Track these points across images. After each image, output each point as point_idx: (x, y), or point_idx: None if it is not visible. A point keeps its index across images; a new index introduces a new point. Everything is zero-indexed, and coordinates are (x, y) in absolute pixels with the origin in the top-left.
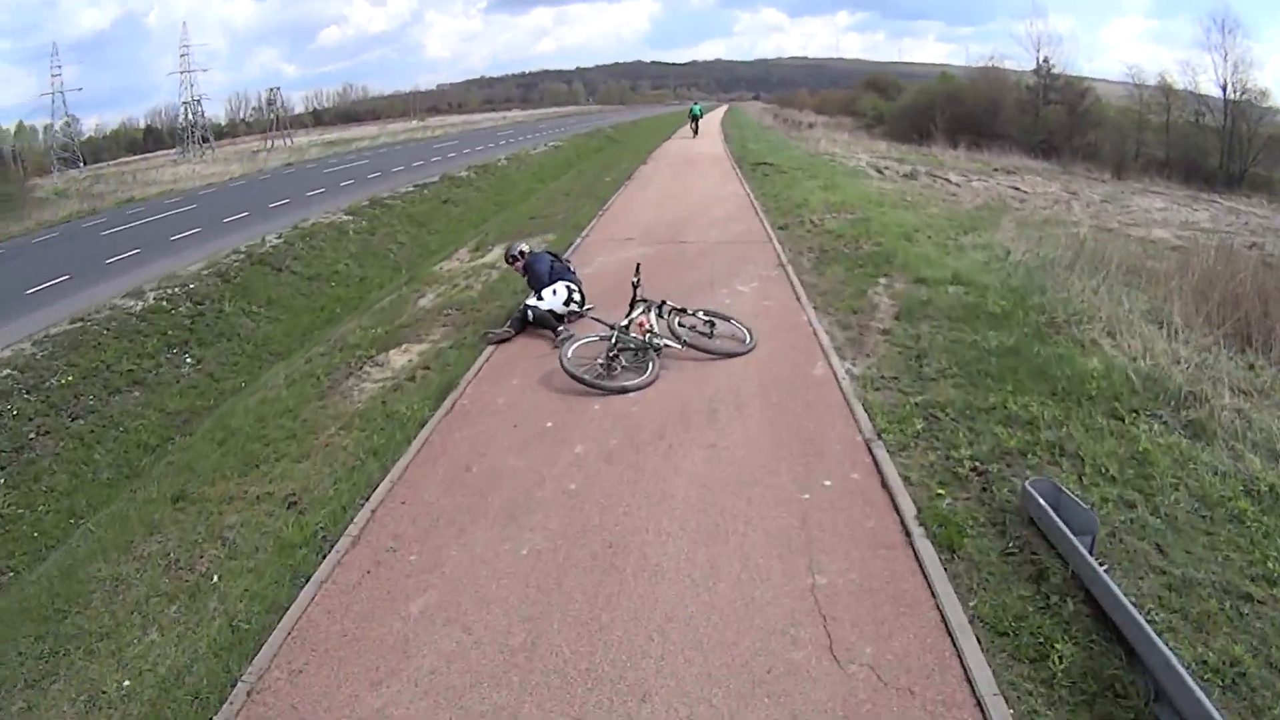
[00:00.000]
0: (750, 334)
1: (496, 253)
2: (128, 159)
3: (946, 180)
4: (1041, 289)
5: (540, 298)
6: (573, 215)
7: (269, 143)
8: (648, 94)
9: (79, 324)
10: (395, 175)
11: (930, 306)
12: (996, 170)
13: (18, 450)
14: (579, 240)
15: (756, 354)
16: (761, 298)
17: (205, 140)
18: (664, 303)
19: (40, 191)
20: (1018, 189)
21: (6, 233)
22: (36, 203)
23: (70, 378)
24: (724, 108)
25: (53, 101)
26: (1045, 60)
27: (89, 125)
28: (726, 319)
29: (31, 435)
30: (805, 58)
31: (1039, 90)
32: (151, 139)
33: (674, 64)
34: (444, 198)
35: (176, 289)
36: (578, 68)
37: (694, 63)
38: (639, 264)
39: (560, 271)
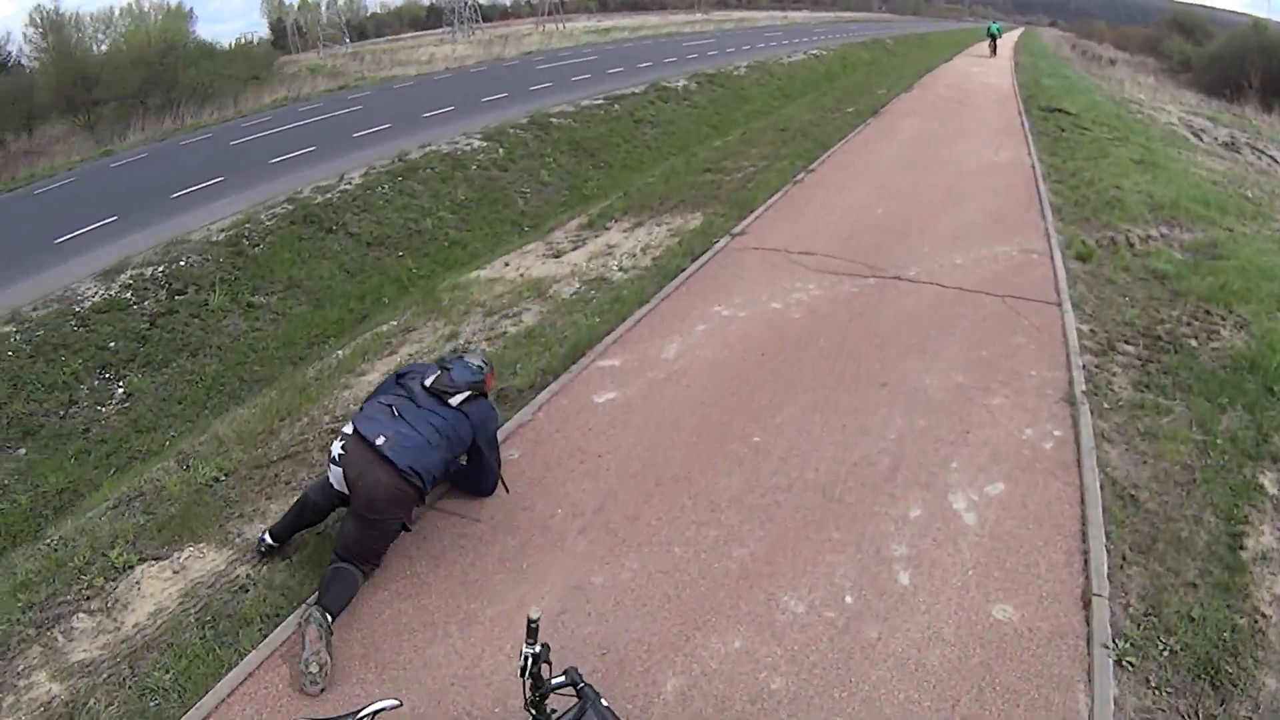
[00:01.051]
0: None
1: (623, 236)
2: (401, 36)
3: (1273, 159)
4: None
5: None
6: (751, 182)
7: (540, 26)
8: (941, 8)
9: None
10: (610, 77)
11: None
12: None
13: None
14: (720, 245)
15: None
16: (1001, 554)
17: (473, 20)
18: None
19: (293, 68)
20: None
21: (221, 116)
22: (288, 79)
23: None
24: (1019, 30)
25: None
26: None
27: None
28: None
29: None
30: None
31: None
32: (433, 17)
33: None
34: (637, 116)
35: (161, 269)
36: None
37: None
38: (534, 619)
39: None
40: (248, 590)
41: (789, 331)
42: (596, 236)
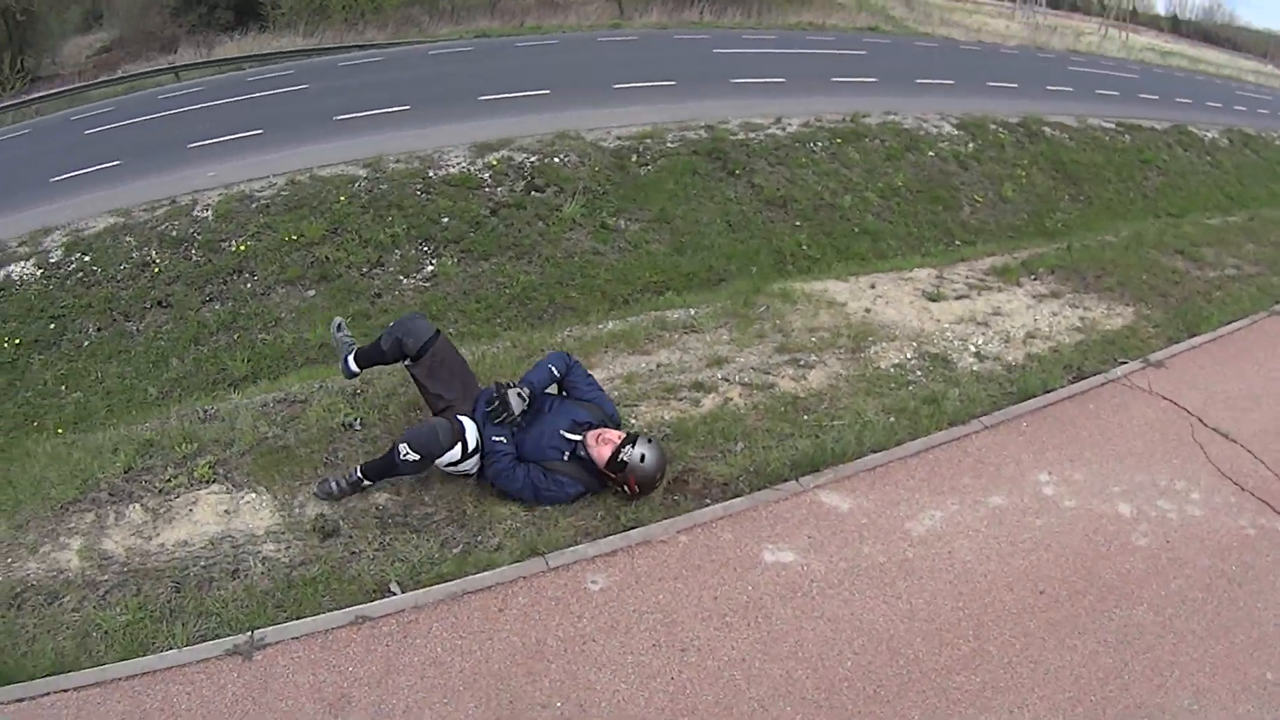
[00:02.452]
0: None
1: (1024, 303)
2: None
3: None
4: None
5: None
6: (1219, 290)
7: (1103, 30)
8: None
9: None
10: (1139, 103)
11: None
12: None
13: None
14: (1120, 374)
15: None
16: None
17: (1037, 1)
18: None
19: None
20: None
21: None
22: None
23: None
24: None
25: None
26: None
27: None
28: None
29: None
30: None
31: None
32: None
33: None
34: (1145, 156)
35: (533, 159)
36: None
37: None
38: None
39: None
40: (239, 578)
41: (1115, 565)
42: (996, 291)
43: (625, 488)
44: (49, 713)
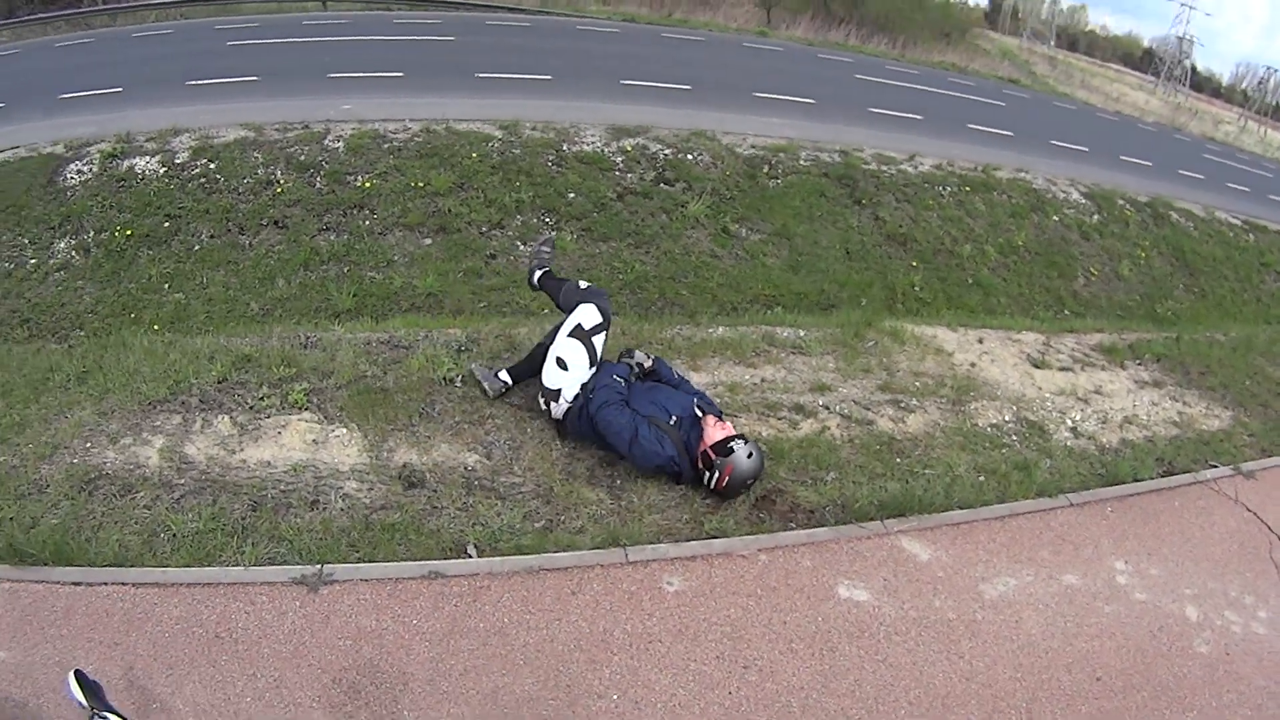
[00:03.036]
0: None
1: (1125, 386)
2: (1108, 64)
3: None
4: None
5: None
6: None
7: (1243, 121)
8: None
9: None
10: (1270, 204)
11: None
12: None
13: None
14: (1209, 476)
15: None
16: None
17: (1181, 82)
18: None
19: (987, 44)
20: None
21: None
22: (974, 50)
23: None
24: None
25: None
26: None
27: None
28: None
29: None
30: None
31: None
32: (1146, 61)
33: None
34: (1266, 259)
35: (668, 152)
36: None
37: None
38: None
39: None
40: (317, 509)
41: (1173, 666)
42: (1099, 369)
43: (714, 478)
44: (104, 603)
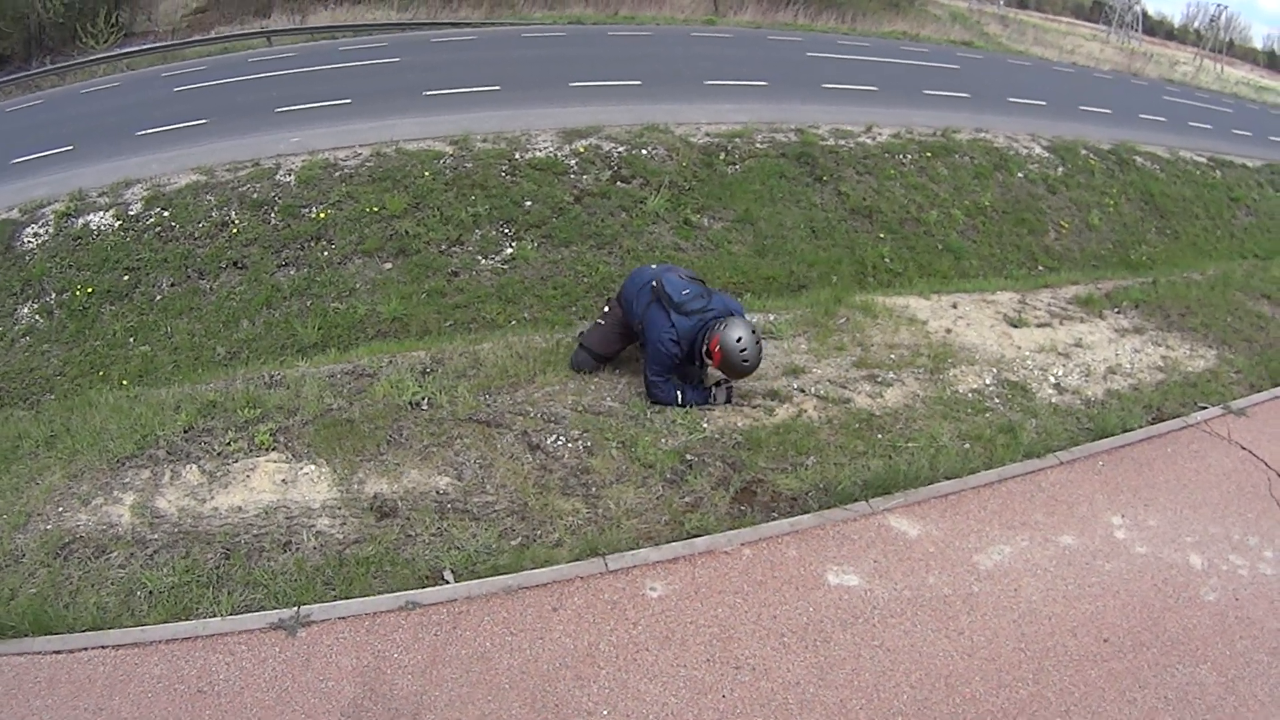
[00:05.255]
0: None
1: (1106, 336)
2: (1059, 18)
3: None
4: None
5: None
6: None
7: (1198, 60)
8: None
9: None
10: (1232, 139)
11: None
12: None
13: None
14: (1199, 419)
15: None
16: None
17: (1134, 28)
18: None
19: (936, 9)
20: None
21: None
22: (923, 16)
23: None
24: None
25: None
26: None
27: None
28: None
29: None
30: None
31: None
32: (1097, 11)
33: None
34: (1235, 194)
35: (621, 149)
36: None
37: None
38: None
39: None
40: (290, 550)
41: (1182, 618)
42: (1079, 322)
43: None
44: (85, 668)
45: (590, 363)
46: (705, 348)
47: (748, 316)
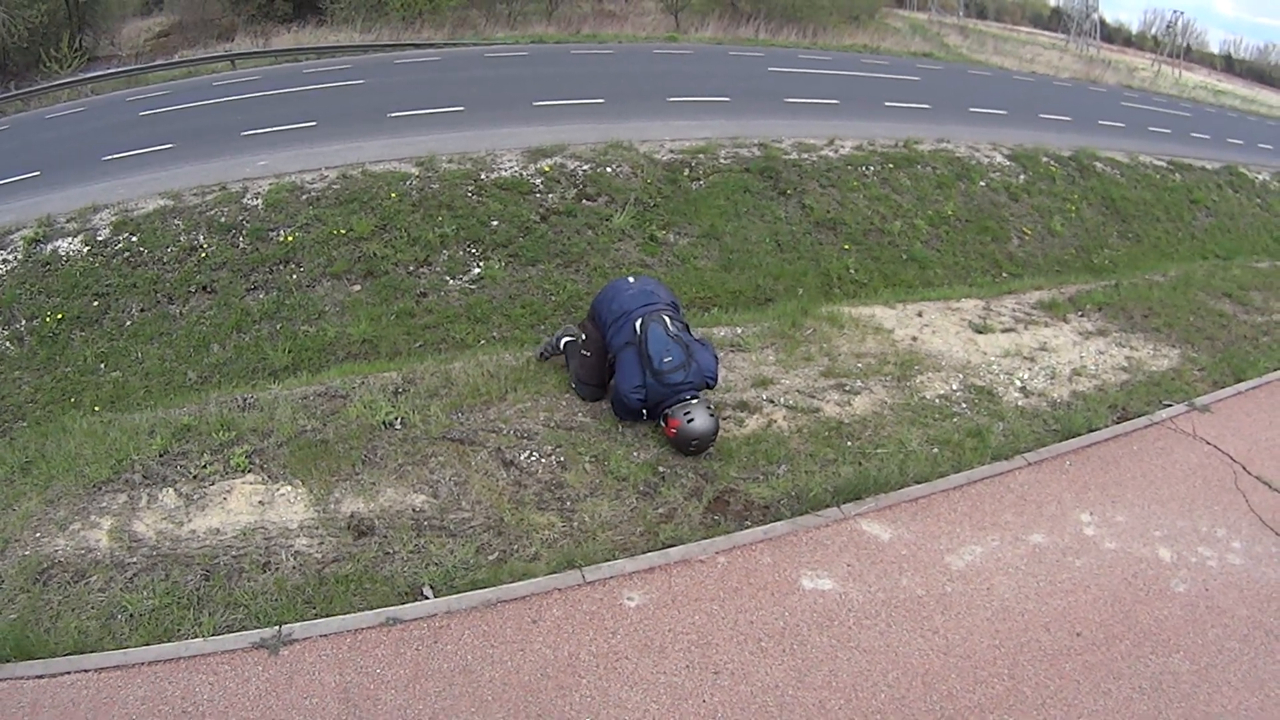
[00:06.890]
0: None
1: (1070, 339)
2: (1018, 27)
3: None
4: None
5: None
6: (1268, 335)
7: (1156, 66)
8: None
9: None
10: (1191, 142)
11: None
12: None
13: None
14: (1164, 416)
15: None
16: None
17: (1092, 35)
18: None
19: (897, 21)
20: None
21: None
22: (886, 31)
23: None
24: None
25: None
26: None
27: None
28: None
29: None
30: None
31: None
32: (1055, 20)
33: None
34: (1195, 196)
35: (586, 168)
36: None
37: None
38: None
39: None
40: (270, 570)
41: (1153, 610)
42: (1043, 326)
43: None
44: (68, 692)
45: (597, 394)
46: (664, 418)
47: (715, 331)
